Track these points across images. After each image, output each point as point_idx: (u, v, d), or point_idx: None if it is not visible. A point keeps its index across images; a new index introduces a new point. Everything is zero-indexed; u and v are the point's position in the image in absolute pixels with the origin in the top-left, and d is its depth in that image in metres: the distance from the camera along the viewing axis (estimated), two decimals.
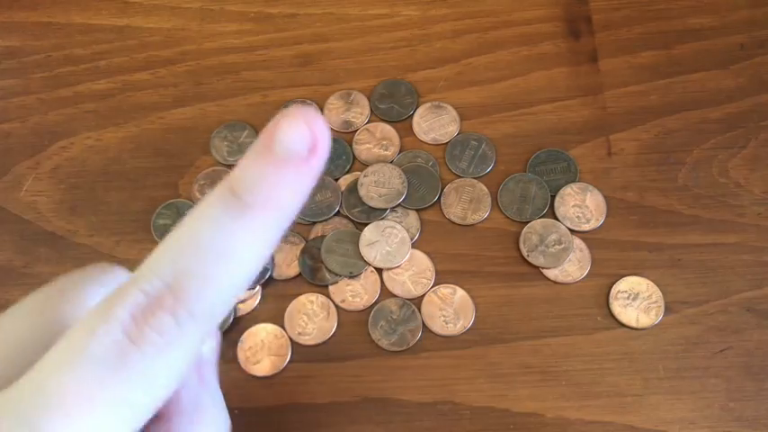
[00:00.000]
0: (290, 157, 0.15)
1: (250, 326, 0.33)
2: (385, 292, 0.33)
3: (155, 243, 0.35)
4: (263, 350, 0.32)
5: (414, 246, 0.34)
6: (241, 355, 0.32)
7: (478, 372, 0.32)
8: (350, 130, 0.37)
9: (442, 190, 0.35)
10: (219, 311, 0.15)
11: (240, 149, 0.36)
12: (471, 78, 0.38)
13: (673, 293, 0.32)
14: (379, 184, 0.35)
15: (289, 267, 0.34)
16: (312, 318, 0.33)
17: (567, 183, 0.35)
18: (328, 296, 0.33)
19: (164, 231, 0.35)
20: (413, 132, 0.37)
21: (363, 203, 0.34)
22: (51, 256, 0.35)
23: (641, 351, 0.32)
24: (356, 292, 0.33)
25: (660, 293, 0.32)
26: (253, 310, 0.33)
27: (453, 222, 0.35)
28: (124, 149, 0.37)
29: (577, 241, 0.34)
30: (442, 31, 0.39)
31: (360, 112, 0.37)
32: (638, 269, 0.33)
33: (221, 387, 0.19)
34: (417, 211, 0.35)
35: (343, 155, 0.36)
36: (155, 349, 0.14)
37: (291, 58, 0.39)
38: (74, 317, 0.16)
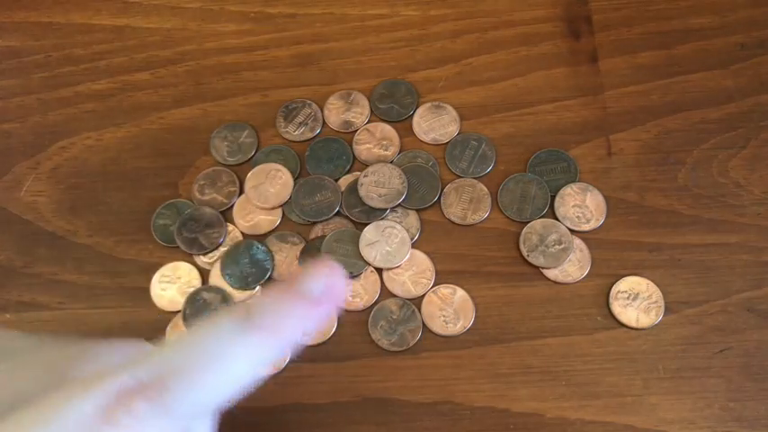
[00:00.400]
0: (305, 296, 0.17)
1: None
2: (385, 292, 0.33)
3: (155, 243, 0.35)
4: None
5: (414, 246, 0.34)
6: None
7: (478, 372, 0.32)
8: (350, 130, 0.37)
9: (442, 190, 0.35)
10: (199, 412, 0.16)
11: (240, 149, 0.36)
12: (471, 78, 0.38)
13: (673, 293, 0.32)
14: (379, 184, 0.35)
15: (289, 267, 0.34)
16: None
17: (566, 183, 0.35)
18: None
19: (163, 231, 0.35)
20: (413, 132, 0.37)
21: (363, 203, 0.34)
22: (51, 256, 0.35)
23: (641, 351, 0.32)
24: (356, 292, 0.33)
25: (660, 293, 0.32)
26: None
27: (453, 222, 0.35)
28: (124, 149, 0.37)
29: (577, 241, 0.34)
30: (442, 31, 0.39)
31: (360, 112, 0.37)
32: (638, 269, 0.33)
33: None
34: (417, 211, 0.35)
35: (343, 155, 0.36)
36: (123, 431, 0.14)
37: (291, 58, 0.39)
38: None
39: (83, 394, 0.15)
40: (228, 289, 0.34)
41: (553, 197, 0.34)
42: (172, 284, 0.34)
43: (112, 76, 0.39)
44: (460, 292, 0.33)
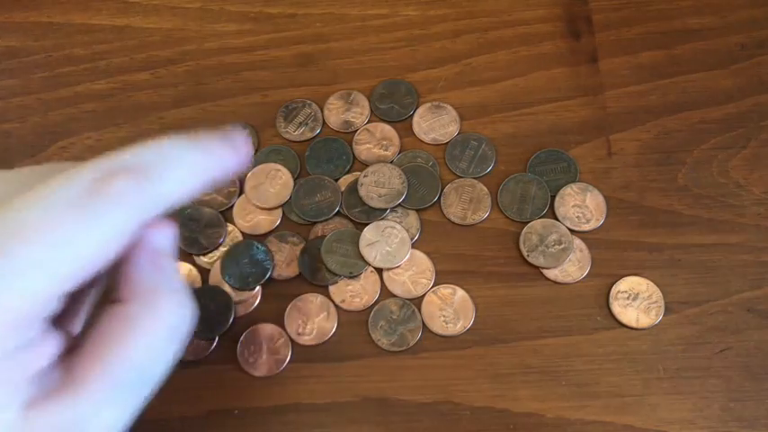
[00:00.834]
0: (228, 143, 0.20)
1: (250, 326, 0.33)
2: (385, 292, 0.33)
3: None
4: (263, 350, 0.32)
5: (414, 246, 0.34)
6: (241, 355, 0.32)
7: (478, 372, 0.32)
8: (350, 130, 0.37)
9: (442, 190, 0.35)
10: (175, 196, 0.18)
11: None
12: (471, 78, 0.38)
13: (673, 293, 0.32)
14: (379, 184, 0.35)
15: (289, 267, 0.34)
16: (312, 318, 0.33)
17: (567, 183, 0.35)
18: (328, 296, 0.33)
19: None
20: (413, 132, 0.37)
21: (363, 203, 0.34)
22: None
23: (641, 351, 0.32)
24: (356, 292, 0.33)
25: (660, 293, 0.32)
26: (253, 310, 0.33)
27: (453, 222, 0.35)
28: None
29: (577, 241, 0.34)
30: (442, 31, 0.39)
31: (360, 112, 0.37)
32: (638, 269, 0.33)
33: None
34: (417, 211, 0.35)
35: (343, 155, 0.36)
36: (113, 201, 0.16)
37: (291, 58, 0.39)
38: None
39: (71, 176, 0.17)
40: (228, 288, 0.34)
41: (553, 197, 0.34)
42: None
43: (112, 76, 0.39)
44: (460, 292, 0.33)
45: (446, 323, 0.32)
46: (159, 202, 0.18)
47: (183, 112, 0.38)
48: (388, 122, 0.37)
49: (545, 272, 0.33)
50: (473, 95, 0.37)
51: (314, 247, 0.34)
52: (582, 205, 0.34)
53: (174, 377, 0.20)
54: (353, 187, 0.35)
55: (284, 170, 0.35)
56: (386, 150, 0.36)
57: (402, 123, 0.37)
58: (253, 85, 0.38)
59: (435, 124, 0.36)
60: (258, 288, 0.34)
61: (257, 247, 0.34)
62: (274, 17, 0.40)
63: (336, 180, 0.35)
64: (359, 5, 0.40)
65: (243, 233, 0.35)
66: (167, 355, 0.18)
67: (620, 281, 0.33)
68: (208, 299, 0.33)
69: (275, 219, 0.35)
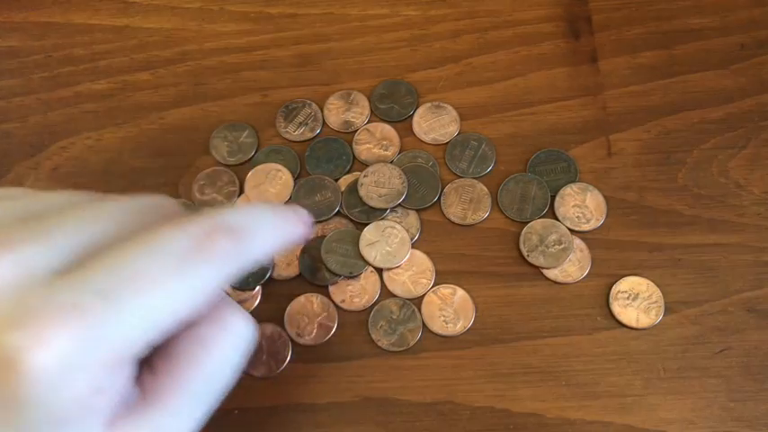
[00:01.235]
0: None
1: None
2: (385, 292, 0.33)
3: None
4: (263, 350, 0.32)
5: (414, 246, 0.34)
6: None
7: (478, 372, 0.32)
8: (350, 130, 0.37)
9: (442, 190, 0.35)
10: (259, 257, 0.19)
11: (240, 149, 0.36)
12: (471, 78, 0.38)
13: (673, 293, 0.32)
14: (379, 184, 0.35)
15: (289, 267, 0.34)
16: (312, 318, 0.33)
17: (567, 183, 0.35)
18: (328, 296, 0.33)
19: None
20: (413, 132, 0.37)
21: (363, 203, 0.34)
22: None
23: (641, 351, 0.32)
24: (356, 292, 0.33)
25: (660, 293, 0.32)
26: (253, 310, 0.33)
27: (453, 222, 0.35)
28: (124, 149, 0.37)
29: (577, 241, 0.34)
30: (442, 31, 0.39)
31: (360, 112, 0.37)
32: (638, 269, 0.33)
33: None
34: (417, 211, 0.35)
35: (343, 155, 0.36)
36: (214, 258, 0.17)
37: (291, 58, 0.39)
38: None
39: (181, 229, 0.18)
40: (228, 289, 0.34)
41: (553, 197, 0.34)
42: None
43: (112, 76, 0.39)
44: (460, 292, 0.33)
45: (446, 323, 0.32)
46: (248, 261, 0.19)
47: (183, 112, 0.38)
48: (388, 122, 0.37)
49: (545, 272, 0.33)
50: (473, 95, 0.37)
51: (314, 247, 0.34)
52: (582, 205, 0.34)
53: None
54: (353, 187, 0.35)
55: (284, 170, 0.35)
56: (386, 150, 0.36)
57: (402, 123, 0.37)
58: (253, 85, 0.38)
59: (435, 124, 0.36)
60: (258, 288, 0.34)
61: None
62: (274, 17, 0.40)
63: (336, 180, 0.35)
64: (359, 5, 0.40)
65: None
66: (235, 365, 0.20)
67: (620, 281, 0.33)
68: None
69: None
